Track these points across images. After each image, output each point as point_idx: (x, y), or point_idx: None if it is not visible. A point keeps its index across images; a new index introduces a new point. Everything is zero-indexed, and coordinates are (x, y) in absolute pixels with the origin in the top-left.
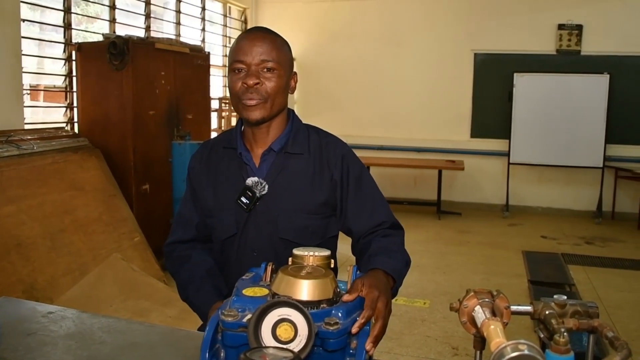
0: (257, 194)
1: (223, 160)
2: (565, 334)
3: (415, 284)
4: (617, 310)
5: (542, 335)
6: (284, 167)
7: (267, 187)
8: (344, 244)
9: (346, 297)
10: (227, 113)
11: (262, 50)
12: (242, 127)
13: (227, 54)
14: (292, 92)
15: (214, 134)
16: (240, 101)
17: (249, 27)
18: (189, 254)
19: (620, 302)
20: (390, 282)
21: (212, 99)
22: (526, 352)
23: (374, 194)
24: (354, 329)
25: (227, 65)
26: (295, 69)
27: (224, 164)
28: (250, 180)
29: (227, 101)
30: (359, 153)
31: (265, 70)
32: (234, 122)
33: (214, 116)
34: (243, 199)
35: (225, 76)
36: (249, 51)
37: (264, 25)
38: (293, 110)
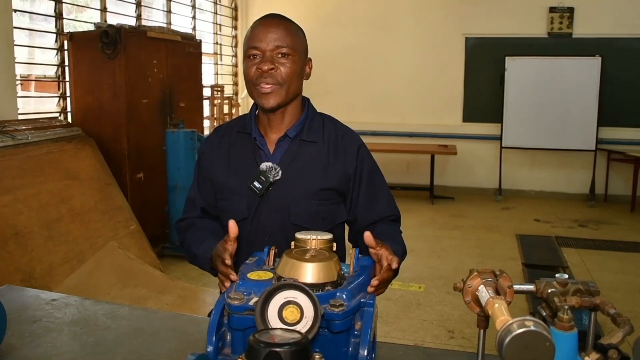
0: (271, 179)
1: (236, 144)
2: (568, 311)
3: (410, 268)
4: (611, 292)
5: (544, 314)
6: (298, 154)
7: (280, 172)
8: None
9: (367, 236)
10: (219, 101)
11: (277, 37)
12: (257, 112)
13: (217, 41)
14: (307, 78)
15: (206, 122)
16: (255, 87)
17: (239, 15)
18: (194, 221)
19: (615, 283)
20: None
21: (204, 86)
22: (532, 328)
23: (384, 188)
24: (374, 281)
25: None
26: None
27: (237, 148)
28: (264, 165)
29: (219, 89)
30: None
31: (279, 55)
32: (226, 109)
33: (206, 104)
34: (256, 184)
35: (217, 64)
36: (264, 37)
37: (255, 13)
38: (308, 99)
